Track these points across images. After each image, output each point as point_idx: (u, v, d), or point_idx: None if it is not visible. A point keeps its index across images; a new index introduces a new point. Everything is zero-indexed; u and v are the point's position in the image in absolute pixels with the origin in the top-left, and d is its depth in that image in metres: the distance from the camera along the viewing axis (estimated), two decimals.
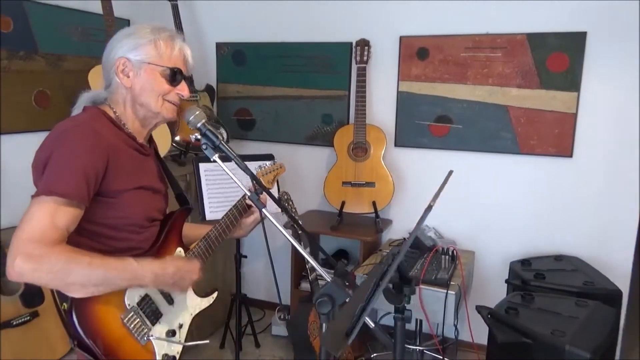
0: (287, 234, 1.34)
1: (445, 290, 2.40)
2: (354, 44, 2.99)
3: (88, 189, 1.15)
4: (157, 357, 1.29)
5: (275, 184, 1.86)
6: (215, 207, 2.68)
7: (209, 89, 3.16)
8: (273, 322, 3.23)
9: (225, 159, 1.36)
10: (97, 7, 2.63)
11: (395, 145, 3.03)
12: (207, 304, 1.48)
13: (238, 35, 3.34)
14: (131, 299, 1.25)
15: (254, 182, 1.41)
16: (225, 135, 3.10)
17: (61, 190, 1.11)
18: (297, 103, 3.26)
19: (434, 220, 3.04)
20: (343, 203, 2.86)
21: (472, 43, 2.78)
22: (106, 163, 1.19)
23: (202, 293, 1.49)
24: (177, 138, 2.87)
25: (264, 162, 1.92)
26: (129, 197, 1.26)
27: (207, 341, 1.44)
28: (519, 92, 2.73)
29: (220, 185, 2.72)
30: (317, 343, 2.33)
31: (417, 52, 2.90)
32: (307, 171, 3.30)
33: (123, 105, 1.31)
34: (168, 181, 1.50)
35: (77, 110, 1.32)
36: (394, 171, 3.04)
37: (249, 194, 1.37)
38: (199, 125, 1.34)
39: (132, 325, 1.24)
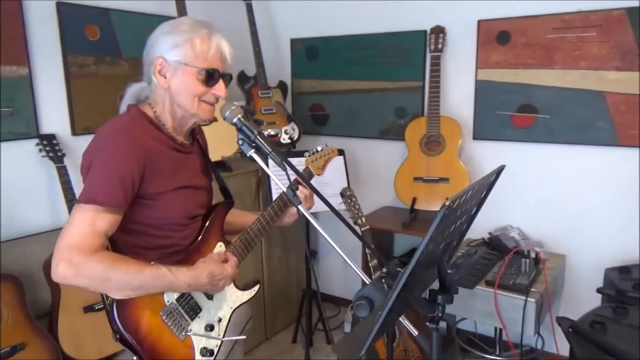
0: (322, 230, 1.28)
1: (525, 297, 2.19)
2: (428, 32, 2.83)
3: (125, 195, 1.19)
4: (196, 352, 1.30)
5: (326, 169, 1.80)
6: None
7: (281, 85, 3.18)
8: (345, 320, 3.19)
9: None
10: (175, 11, 2.76)
11: (474, 138, 2.82)
12: (249, 297, 1.47)
13: (311, 30, 3.32)
14: (170, 295, 1.28)
15: (297, 175, 1.36)
16: (296, 133, 3.11)
17: (99, 198, 1.15)
18: (370, 96, 3.16)
19: (518, 220, 2.79)
20: (414, 199, 2.72)
21: (561, 23, 2.49)
22: (143, 168, 1.22)
23: (243, 286, 1.48)
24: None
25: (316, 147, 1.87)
26: (168, 199, 1.28)
27: (244, 337, 1.43)
28: (617, 76, 2.39)
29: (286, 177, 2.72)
30: (378, 345, 2.25)
31: (497, 37, 2.66)
32: (380, 166, 3.20)
33: (162, 105, 1.33)
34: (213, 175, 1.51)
35: (123, 106, 1.37)
36: (471, 166, 2.83)
37: (284, 189, 1.32)
38: (234, 120, 1.33)
39: (170, 322, 1.26)
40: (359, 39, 3.13)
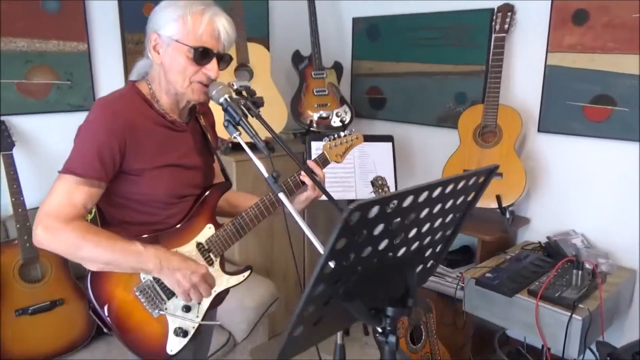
0: (302, 224, 1.20)
1: (569, 313, 1.93)
2: (495, 11, 2.56)
3: (104, 168, 1.20)
4: (170, 330, 1.30)
5: (345, 157, 1.70)
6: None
7: (336, 66, 3.08)
8: None
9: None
10: None
11: (539, 130, 2.53)
12: (236, 282, 1.43)
13: (374, 8, 3.17)
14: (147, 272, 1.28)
15: (295, 160, 1.29)
16: (348, 116, 3.01)
17: (77, 170, 1.18)
18: (429, 80, 2.96)
19: (584, 225, 2.47)
20: None
21: None
22: (124, 143, 1.22)
23: (234, 270, 1.45)
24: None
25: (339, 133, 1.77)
26: (152, 175, 1.28)
27: (219, 322, 1.40)
28: None
29: (331, 165, 2.65)
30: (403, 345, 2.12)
31: (573, 16, 2.34)
32: (435, 156, 2.99)
33: (158, 82, 1.32)
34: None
35: (132, 78, 1.38)
36: (534, 162, 2.55)
37: (266, 175, 1.26)
38: (221, 100, 1.29)
39: (144, 298, 1.27)
40: (421, 18, 2.93)
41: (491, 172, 1.04)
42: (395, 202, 0.78)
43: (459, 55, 2.79)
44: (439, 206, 0.94)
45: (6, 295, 2.01)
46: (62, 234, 1.15)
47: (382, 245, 0.86)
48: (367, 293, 0.93)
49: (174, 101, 1.34)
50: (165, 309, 1.30)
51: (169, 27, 1.25)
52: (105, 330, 1.26)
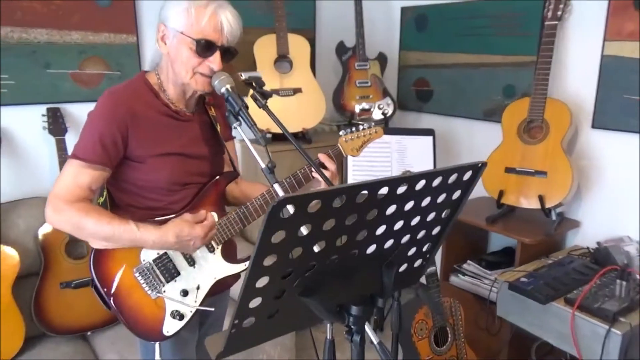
0: None
1: (608, 326, 1.78)
2: None
3: (106, 153, 1.26)
4: (166, 312, 1.35)
5: (362, 150, 1.66)
6: (359, 178, 2.60)
7: (380, 57, 3.02)
8: None
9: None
10: None
11: (593, 126, 2.33)
12: (236, 271, 1.44)
13: None
14: (147, 255, 1.33)
15: (302, 154, 1.29)
16: (390, 108, 2.94)
17: (81, 154, 1.25)
18: (477, 72, 2.82)
19: None
20: (501, 192, 2.37)
21: None
22: (125, 130, 1.27)
23: (236, 259, 1.47)
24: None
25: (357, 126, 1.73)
26: (154, 163, 1.32)
27: (213, 309, 1.42)
28: None
29: (366, 157, 2.61)
30: (421, 345, 2.05)
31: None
32: (482, 151, 2.83)
33: (166, 72, 1.36)
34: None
35: (145, 68, 1.44)
36: (587, 160, 2.36)
37: (263, 166, 1.26)
38: (222, 90, 1.31)
39: (142, 280, 1.32)
40: (471, 6, 2.79)
41: (478, 170, 0.97)
42: (344, 197, 0.75)
43: (509, 45, 2.62)
44: (411, 203, 0.89)
45: (53, 269, 2.18)
46: (67, 213, 1.23)
47: (341, 241, 0.83)
48: (331, 290, 0.90)
49: (181, 91, 1.37)
50: (164, 291, 1.35)
51: (175, 19, 1.28)
52: (105, 308, 1.33)
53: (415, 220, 0.95)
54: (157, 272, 1.34)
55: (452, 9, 2.88)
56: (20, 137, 2.33)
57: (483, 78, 2.79)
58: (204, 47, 1.28)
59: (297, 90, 2.72)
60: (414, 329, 2.03)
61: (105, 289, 1.31)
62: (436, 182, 0.90)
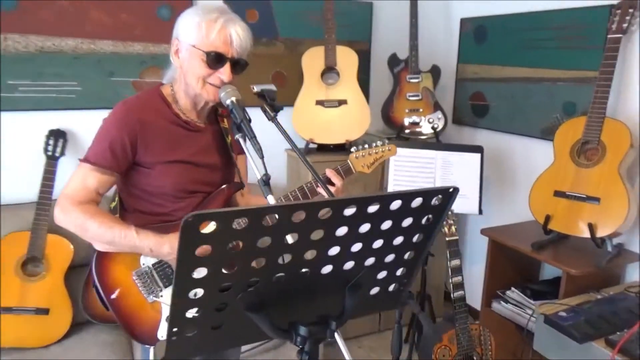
0: None
1: None
2: (615, 7, 2.18)
3: (115, 158, 1.33)
4: (163, 317, 1.40)
5: (372, 168, 1.63)
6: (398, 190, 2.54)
7: (434, 69, 2.94)
8: None
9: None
10: None
11: None
12: None
13: (483, 8, 2.94)
14: (147, 259, 1.40)
15: (308, 168, 1.30)
16: (440, 123, 2.85)
17: (92, 159, 1.34)
18: (537, 87, 2.65)
19: None
20: (547, 217, 2.20)
21: None
22: (135, 137, 1.34)
23: None
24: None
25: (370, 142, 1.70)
26: (162, 169, 1.38)
27: None
28: None
29: (409, 171, 2.55)
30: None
31: None
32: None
33: (179, 84, 1.43)
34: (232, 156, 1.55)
35: (163, 80, 1.52)
36: None
37: (259, 177, 1.28)
38: (227, 102, 1.35)
39: (140, 283, 1.38)
40: (533, 17, 2.63)
41: (450, 195, 0.92)
42: (272, 216, 0.75)
43: (572, 59, 2.44)
44: (366, 226, 0.87)
45: None
46: (73, 215, 1.31)
47: (284, 259, 0.83)
48: (282, 307, 0.90)
49: (192, 102, 1.43)
50: (161, 296, 1.40)
51: (187, 33, 1.35)
52: (105, 308, 1.42)
53: (377, 244, 0.91)
54: (156, 276, 1.40)
55: (512, 20, 2.74)
56: (85, 138, 2.54)
57: (542, 94, 2.62)
58: (214, 59, 1.33)
59: (342, 102, 2.72)
60: (436, 354, 1.94)
61: (104, 290, 1.39)
62: (394, 205, 0.86)
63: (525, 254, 2.31)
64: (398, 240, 0.94)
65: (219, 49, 1.33)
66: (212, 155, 1.49)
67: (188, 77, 1.38)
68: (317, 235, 0.82)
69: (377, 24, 3.21)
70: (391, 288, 1.04)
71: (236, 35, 1.34)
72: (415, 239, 0.96)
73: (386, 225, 0.89)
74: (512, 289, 2.45)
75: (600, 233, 2.06)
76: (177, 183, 1.40)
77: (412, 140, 2.89)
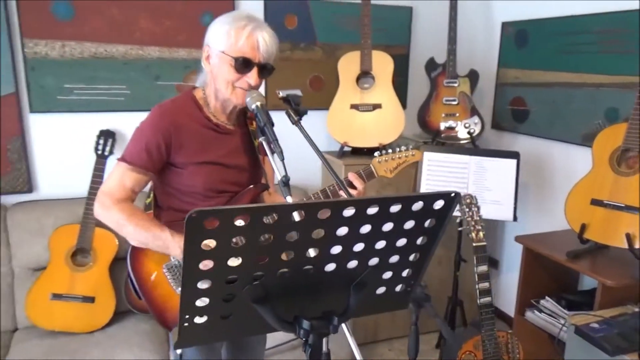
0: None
1: None
2: None
3: (150, 159, 1.43)
4: None
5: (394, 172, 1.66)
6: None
7: (471, 74, 2.91)
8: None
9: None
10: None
11: None
12: None
13: (524, 11, 2.88)
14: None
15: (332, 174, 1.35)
16: (477, 128, 2.83)
17: (128, 158, 1.44)
18: (579, 92, 2.58)
19: None
20: (583, 226, 2.14)
21: None
22: (169, 139, 1.43)
23: None
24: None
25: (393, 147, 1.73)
26: (193, 169, 1.47)
27: None
28: None
29: (442, 176, 2.55)
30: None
31: None
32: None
33: (210, 88, 1.51)
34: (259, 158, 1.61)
35: (196, 84, 1.61)
36: None
37: (280, 177, 1.34)
38: (252, 107, 1.42)
39: (170, 275, 1.48)
40: (575, 20, 2.56)
41: (452, 199, 0.94)
42: (274, 215, 0.81)
43: (615, 64, 2.36)
44: (367, 227, 0.91)
45: None
46: (112, 212, 1.41)
47: (287, 256, 0.88)
48: (288, 301, 0.95)
49: (222, 106, 1.51)
50: None
51: (218, 40, 1.43)
52: (137, 297, 1.52)
53: (380, 245, 0.95)
54: None
55: (553, 23, 2.68)
56: None
57: (584, 99, 2.54)
58: (242, 64, 1.41)
59: (376, 106, 2.75)
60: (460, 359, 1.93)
61: (137, 281, 1.49)
62: (394, 208, 0.89)
63: (561, 263, 2.25)
64: (401, 242, 0.97)
65: (247, 55, 1.40)
66: (240, 157, 1.56)
67: (218, 82, 1.46)
68: (318, 234, 0.87)
69: (416, 28, 3.22)
70: (398, 288, 1.08)
71: (263, 41, 1.41)
72: (419, 241, 0.99)
73: (388, 227, 0.92)
74: (547, 298, 2.39)
75: (637, 244, 1.98)
76: (207, 183, 1.48)
77: (447, 145, 2.88)
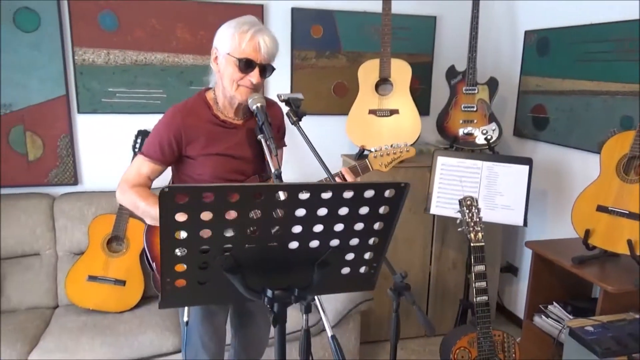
0: None
1: None
2: None
3: (162, 152, 1.62)
4: None
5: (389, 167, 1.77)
6: (443, 202, 2.63)
7: (491, 82, 2.96)
8: None
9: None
10: (397, 8, 3.01)
11: None
12: None
13: (547, 20, 2.91)
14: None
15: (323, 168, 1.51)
16: (495, 134, 2.88)
17: (145, 152, 1.65)
18: (595, 100, 2.58)
19: None
20: (587, 232, 2.16)
21: None
22: (180, 135, 1.62)
23: None
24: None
25: (399, 143, 1.85)
26: (203, 160, 1.65)
27: None
28: None
29: (454, 180, 2.62)
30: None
31: None
32: None
33: (219, 88, 1.69)
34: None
35: (209, 85, 1.79)
36: None
37: (274, 172, 1.49)
38: (253, 107, 1.58)
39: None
40: (594, 29, 2.57)
41: (402, 189, 1.06)
42: (239, 195, 0.96)
43: (630, 72, 2.36)
44: (323, 210, 1.04)
45: None
46: (128, 194, 1.62)
47: (251, 231, 1.03)
48: (257, 273, 1.10)
49: (229, 102, 1.68)
50: None
51: (224, 43, 1.60)
52: (150, 269, 1.71)
53: (338, 227, 1.08)
54: None
55: (573, 32, 2.69)
56: None
57: (601, 107, 2.55)
58: (245, 64, 1.58)
59: (394, 112, 2.86)
60: (454, 355, 2.00)
61: (150, 253, 1.69)
62: (347, 194, 1.02)
63: (567, 269, 2.27)
64: (359, 226, 1.10)
65: (249, 56, 1.57)
66: (245, 149, 1.71)
67: (224, 81, 1.63)
68: (277, 214, 1.01)
69: (440, 37, 3.31)
70: (362, 270, 1.20)
71: (264, 43, 1.57)
72: (376, 226, 1.11)
73: (343, 211, 1.05)
74: (554, 303, 2.41)
75: (639, 251, 1.99)
76: (215, 171, 1.66)
77: (465, 150, 2.94)
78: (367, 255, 1.17)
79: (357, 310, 2.52)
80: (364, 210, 1.07)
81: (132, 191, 1.62)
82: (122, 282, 2.55)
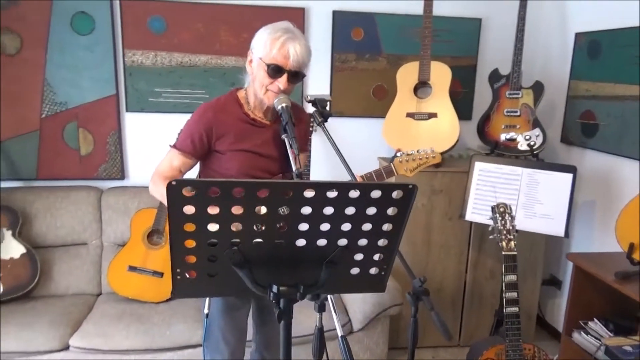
0: None
1: None
2: None
3: (193, 146, 1.69)
4: None
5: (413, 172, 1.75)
6: (479, 208, 2.56)
7: (536, 86, 2.85)
8: None
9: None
10: (442, 11, 2.99)
11: None
12: None
13: (598, 21, 2.77)
14: None
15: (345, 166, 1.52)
16: (538, 140, 2.77)
17: (178, 145, 1.72)
18: None
19: None
20: (632, 246, 2.03)
21: None
22: (210, 130, 1.67)
23: None
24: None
25: (425, 149, 1.83)
26: (231, 155, 1.70)
27: None
28: None
29: (492, 186, 2.55)
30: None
31: None
32: None
33: (251, 88, 1.74)
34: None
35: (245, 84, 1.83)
36: None
37: (295, 171, 1.51)
38: (278, 107, 1.62)
39: None
40: None
41: (410, 191, 1.05)
42: (243, 190, 0.98)
43: None
44: (329, 209, 1.05)
45: None
46: (159, 186, 1.69)
47: (258, 227, 1.05)
48: (265, 268, 1.12)
49: (259, 103, 1.72)
50: None
51: (258, 47, 1.65)
52: None
53: (346, 227, 1.08)
54: None
55: (625, 34, 2.55)
56: None
57: None
58: (274, 70, 1.61)
59: (432, 115, 2.81)
60: None
61: None
62: (353, 194, 1.03)
63: (609, 284, 2.15)
64: (367, 226, 1.09)
65: (279, 62, 1.60)
66: (272, 148, 1.75)
67: (255, 83, 1.68)
68: (283, 210, 1.03)
69: (485, 39, 3.22)
70: (372, 271, 1.19)
71: (294, 51, 1.60)
72: (385, 227, 1.11)
73: (350, 210, 1.05)
74: (595, 320, 2.29)
75: None
76: (241, 167, 1.70)
77: (506, 156, 2.84)
78: (376, 257, 1.16)
79: (386, 315, 2.49)
80: (371, 210, 1.07)
81: (164, 184, 1.68)
82: (160, 274, 2.66)
